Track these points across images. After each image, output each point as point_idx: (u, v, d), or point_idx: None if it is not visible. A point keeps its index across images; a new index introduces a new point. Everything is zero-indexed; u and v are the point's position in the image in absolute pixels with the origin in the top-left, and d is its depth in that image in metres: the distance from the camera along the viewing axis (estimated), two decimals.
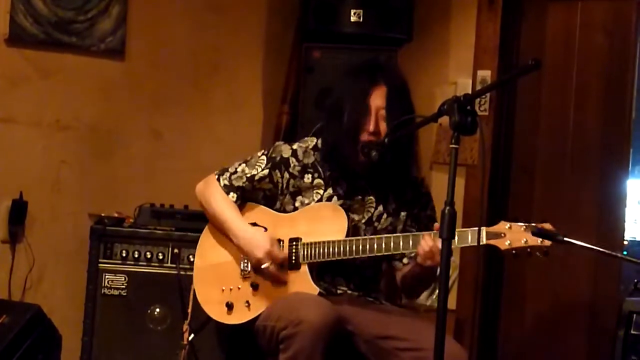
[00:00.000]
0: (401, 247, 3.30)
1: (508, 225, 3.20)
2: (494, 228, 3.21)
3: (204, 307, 3.54)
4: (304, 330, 3.08)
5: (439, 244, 3.07)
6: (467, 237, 3.20)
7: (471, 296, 4.87)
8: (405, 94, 3.49)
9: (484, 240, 3.18)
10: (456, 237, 3.16)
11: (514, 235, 3.18)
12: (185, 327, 3.87)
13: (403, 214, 3.55)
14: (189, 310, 3.82)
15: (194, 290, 3.61)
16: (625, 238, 5.01)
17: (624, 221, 4.92)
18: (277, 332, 3.20)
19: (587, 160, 4.90)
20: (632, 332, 4.06)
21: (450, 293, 4.66)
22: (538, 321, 5.00)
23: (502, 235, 3.19)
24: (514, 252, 3.19)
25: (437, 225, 3.13)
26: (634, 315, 4.06)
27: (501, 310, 5.10)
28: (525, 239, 3.17)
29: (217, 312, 3.50)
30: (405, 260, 3.54)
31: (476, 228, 3.20)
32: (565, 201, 4.92)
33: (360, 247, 3.33)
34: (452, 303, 4.81)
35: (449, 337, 2.79)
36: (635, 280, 4.23)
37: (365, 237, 3.37)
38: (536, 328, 5.00)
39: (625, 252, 4.83)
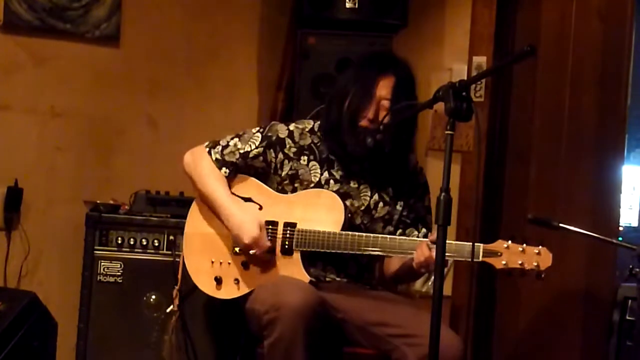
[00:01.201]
0: (397, 249, 3.31)
1: (506, 244, 3.21)
2: (492, 246, 3.23)
3: (192, 277, 3.56)
4: (284, 315, 3.08)
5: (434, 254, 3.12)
6: (463, 251, 3.21)
7: (467, 282, 4.87)
8: (412, 88, 3.50)
9: (479, 257, 3.20)
10: (454, 249, 3.20)
11: (510, 256, 3.20)
12: (175, 292, 3.90)
13: (400, 203, 3.55)
14: (179, 277, 3.83)
15: (183, 258, 3.62)
16: (620, 224, 5.02)
17: (619, 207, 4.92)
18: (260, 316, 3.20)
19: (583, 147, 4.90)
20: (628, 317, 4.08)
21: (445, 279, 4.68)
22: (533, 307, 5.01)
23: (499, 254, 3.20)
24: (508, 271, 3.21)
25: (432, 237, 3.13)
26: (629, 300, 4.07)
27: (496, 296, 5.10)
28: (521, 261, 3.20)
29: (205, 284, 3.52)
30: None
31: (476, 243, 3.22)
32: (561, 187, 4.92)
33: (356, 243, 3.33)
34: (447, 289, 4.82)
35: (443, 324, 2.79)
36: (630, 266, 4.23)
37: (361, 234, 3.36)
38: (532, 314, 5.01)
39: (620, 238, 4.83)
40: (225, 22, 5.16)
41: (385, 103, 3.39)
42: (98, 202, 4.46)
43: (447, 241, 3.13)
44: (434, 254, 3.07)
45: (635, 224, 5.75)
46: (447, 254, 3.10)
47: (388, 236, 3.35)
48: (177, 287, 3.91)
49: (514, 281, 5.02)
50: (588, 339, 4.83)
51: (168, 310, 3.98)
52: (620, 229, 5.05)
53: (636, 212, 5.87)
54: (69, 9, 4.72)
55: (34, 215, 4.72)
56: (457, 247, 3.21)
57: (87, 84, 4.83)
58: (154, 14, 4.98)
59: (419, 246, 3.23)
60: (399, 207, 3.54)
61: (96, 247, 4.33)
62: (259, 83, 5.26)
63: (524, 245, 3.20)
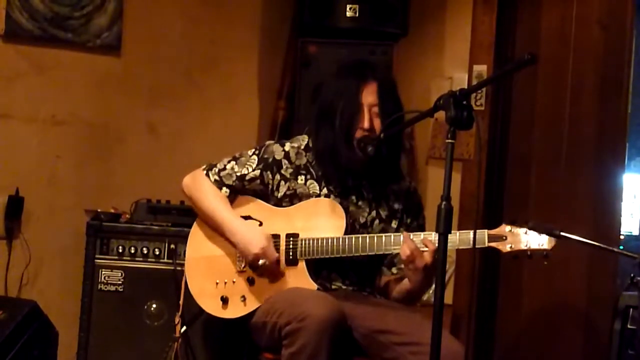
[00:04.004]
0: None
1: (509, 228, 3.21)
2: (496, 231, 3.23)
3: (197, 300, 3.52)
4: (308, 325, 3.06)
5: (424, 250, 3.17)
6: (468, 239, 3.20)
7: (467, 291, 4.87)
8: (395, 89, 3.50)
9: (485, 243, 3.20)
10: (457, 239, 3.19)
11: (515, 238, 3.20)
12: (177, 319, 3.87)
13: (395, 221, 3.54)
14: (181, 303, 3.80)
15: (186, 282, 3.57)
16: (621, 232, 5.01)
17: (620, 215, 4.91)
18: (279, 328, 3.18)
19: (583, 155, 4.89)
20: (629, 326, 4.06)
21: (446, 288, 4.68)
22: (535, 315, 5.00)
23: (504, 238, 3.21)
24: (514, 255, 3.21)
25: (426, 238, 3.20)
26: (631, 309, 4.06)
27: (498, 305, 5.10)
28: (526, 243, 3.19)
29: (211, 306, 3.48)
30: (394, 270, 3.54)
31: (479, 230, 3.22)
32: (562, 196, 4.92)
33: (360, 245, 3.32)
34: (448, 298, 4.82)
35: (445, 332, 2.79)
36: (632, 275, 4.23)
37: (365, 234, 3.35)
38: (533, 322, 5.00)
39: (621, 247, 4.83)
40: (225, 31, 5.17)
41: (375, 109, 3.38)
42: (99, 210, 4.47)
43: (452, 232, 3.18)
44: (425, 255, 3.15)
45: (636, 232, 5.75)
46: (454, 246, 3.18)
47: (392, 234, 3.33)
48: (178, 314, 3.87)
49: (515, 289, 5.03)
50: (589, 347, 4.82)
51: (172, 338, 3.94)
52: (621, 237, 5.05)
53: (637, 221, 5.88)
54: (70, 18, 4.73)
55: (35, 223, 4.72)
56: (462, 237, 3.20)
57: (88, 93, 4.84)
58: (154, 23, 4.99)
59: (404, 241, 3.23)
60: (393, 225, 3.53)
61: (97, 256, 4.34)
62: (259, 91, 5.27)
63: (527, 227, 3.21)
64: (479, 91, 4.91)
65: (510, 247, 3.20)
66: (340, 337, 3.14)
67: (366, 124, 3.36)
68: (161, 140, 5.03)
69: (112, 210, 4.51)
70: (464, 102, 2.75)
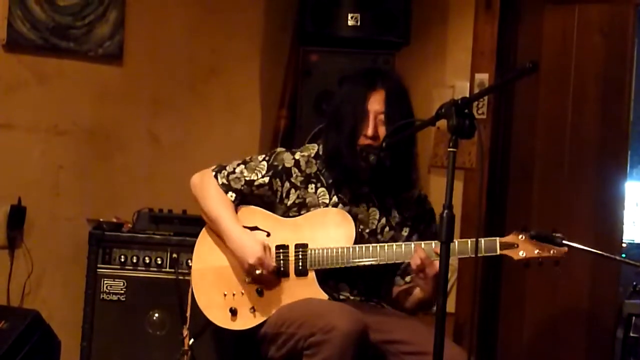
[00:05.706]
0: (411, 255, 3.28)
1: (521, 235, 3.22)
2: (508, 239, 3.23)
3: (205, 312, 3.47)
4: (335, 337, 3.03)
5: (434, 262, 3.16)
6: (480, 247, 3.21)
7: (470, 299, 4.86)
8: (405, 98, 3.47)
9: (497, 251, 3.21)
10: (469, 247, 3.20)
11: (527, 246, 3.21)
12: (185, 332, 3.85)
13: (406, 229, 3.52)
14: (188, 315, 3.79)
15: (193, 294, 3.54)
16: (623, 240, 5.01)
17: (623, 223, 4.92)
18: (299, 339, 3.15)
19: (585, 163, 4.90)
20: (632, 334, 4.07)
21: (449, 296, 4.67)
22: (537, 324, 5.00)
23: (516, 246, 3.21)
24: (525, 262, 3.22)
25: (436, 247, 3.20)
26: (633, 317, 4.07)
27: (500, 313, 5.10)
28: (538, 250, 3.20)
29: (220, 318, 3.43)
30: (407, 279, 3.52)
31: (491, 238, 3.23)
32: (564, 204, 4.92)
33: (371, 254, 3.30)
34: (451, 306, 4.81)
35: (448, 340, 2.79)
36: (634, 283, 4.23)
37: (375, 244, 3.34)
38: (535, 331, 5.00)
39: (623, 255, 4.83)
40: (227, 40, 5.18)
41: (381, 117, 3.38)
42: (101, 220, 4.46)
43: (460, 240, 3.20)
44: (436, 264, 3.13)
45: (638, 240, 5.75)
46: (466, 254, 3.20)
47: (403, 243, 3.32)
48: (186, 326, 3.85)
49: (518, 297, 5.02)
50: (591, 356, 4.82)
51: (180, 351, 3.91)
52: (624, 245, 5.05)
53: (639, 228, 5.88)
54: (72, 27, 4.74)
55: (37, 233, 4.71)
56: (473, 245, 3.20)
57: (90, 102, 4.84)
58: (156, 32, 5.00)
59: (415, 250, 3.23)
60: (404, 233, 3.52)
61: (99, 265, 4.33)
62: (261, 100, 5.27)
63: (535, 233, 3.22)
64: (481, 99, 4.91)
65: (523, 254, 3.21)
66: (363, 350, 3.12)
67: (370, 132, 3.35)
68: (163, 150, 5.03)
69: (115, 220, 4.50)
70: (466, 111, 2.75)
